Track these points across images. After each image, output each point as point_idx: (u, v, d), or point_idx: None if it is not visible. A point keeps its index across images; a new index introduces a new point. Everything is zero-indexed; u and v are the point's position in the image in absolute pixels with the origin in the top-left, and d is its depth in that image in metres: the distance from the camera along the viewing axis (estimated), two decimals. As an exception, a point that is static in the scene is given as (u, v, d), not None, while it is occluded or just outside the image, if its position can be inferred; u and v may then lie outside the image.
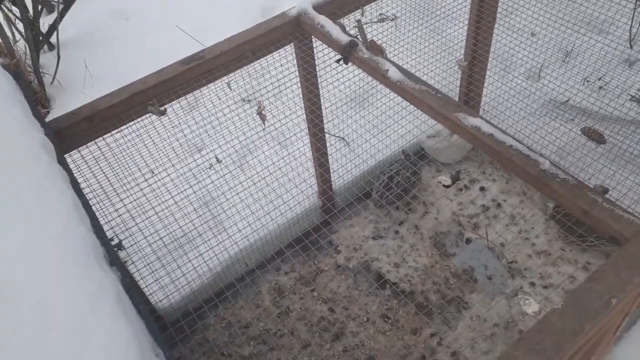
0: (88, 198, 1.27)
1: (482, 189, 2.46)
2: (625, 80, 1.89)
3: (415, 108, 1.43)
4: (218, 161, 1.50)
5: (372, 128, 2.35)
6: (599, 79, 1.72)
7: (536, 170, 1.18)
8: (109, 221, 1.46)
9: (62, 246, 0.83)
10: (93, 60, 3.15)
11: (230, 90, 1.56)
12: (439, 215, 2.39)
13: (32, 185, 0.97)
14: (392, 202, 2.36)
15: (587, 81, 1.70)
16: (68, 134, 1.43)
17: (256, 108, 1.52)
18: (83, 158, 1.44)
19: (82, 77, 3.07)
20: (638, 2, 2.12)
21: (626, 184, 1.93)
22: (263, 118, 1.52)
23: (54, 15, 3.47)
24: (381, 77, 1.47)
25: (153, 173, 1.45)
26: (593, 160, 2.09)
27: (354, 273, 2.24)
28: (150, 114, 1.49)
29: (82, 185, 1.26)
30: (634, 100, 1.62)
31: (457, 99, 2.56)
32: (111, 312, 0.79)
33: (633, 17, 2.70)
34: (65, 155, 1.41)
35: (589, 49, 2.37)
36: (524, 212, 2.34)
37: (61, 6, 3.25)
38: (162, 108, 1.50)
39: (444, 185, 2.27)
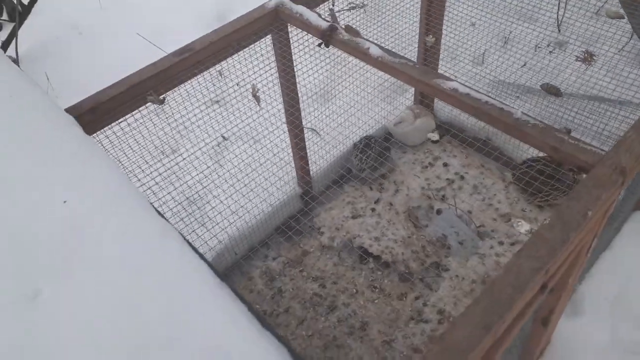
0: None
1: (445, 164, 2.67)
2: (548, 63, 2.17)
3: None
4: (224, 139, 1.60)
5: (341, 114, 2.51)
6: (523, 66, 1.98)
7: (511, 119, 1.37)
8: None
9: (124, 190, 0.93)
10: (52, 72, 3.14)
11: (222, 77, 1.67)
12: (409, 192, 2.57)
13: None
14: (371, 165, 2.52)
15: (503, 83, 1.94)
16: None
17: (251, 91, 1.63)
18: (100, 143, 1.51)
19: (45, 89, 3.05)
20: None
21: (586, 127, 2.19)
22: (258, 99, 1.64)
23: (5, 32, 3.43)
24: (363, 55, 1.63)
25: (165, 155, 1.53)
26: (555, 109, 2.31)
27: (338, 251, 2.38)
28: (150, 103, 1.58)
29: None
30: (543, 89, 1.87)
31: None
32: (179, 249, 0.89)
33: (559, 3, 3.03)
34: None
35: (521, 33, 2.66)
36: (485, 182, 2.57)
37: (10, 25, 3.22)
38: (162, 97, 1.59)
39: (432, 141, 2.46)
